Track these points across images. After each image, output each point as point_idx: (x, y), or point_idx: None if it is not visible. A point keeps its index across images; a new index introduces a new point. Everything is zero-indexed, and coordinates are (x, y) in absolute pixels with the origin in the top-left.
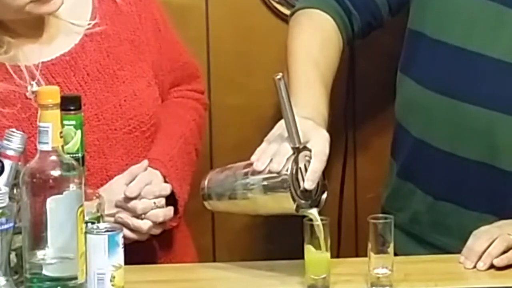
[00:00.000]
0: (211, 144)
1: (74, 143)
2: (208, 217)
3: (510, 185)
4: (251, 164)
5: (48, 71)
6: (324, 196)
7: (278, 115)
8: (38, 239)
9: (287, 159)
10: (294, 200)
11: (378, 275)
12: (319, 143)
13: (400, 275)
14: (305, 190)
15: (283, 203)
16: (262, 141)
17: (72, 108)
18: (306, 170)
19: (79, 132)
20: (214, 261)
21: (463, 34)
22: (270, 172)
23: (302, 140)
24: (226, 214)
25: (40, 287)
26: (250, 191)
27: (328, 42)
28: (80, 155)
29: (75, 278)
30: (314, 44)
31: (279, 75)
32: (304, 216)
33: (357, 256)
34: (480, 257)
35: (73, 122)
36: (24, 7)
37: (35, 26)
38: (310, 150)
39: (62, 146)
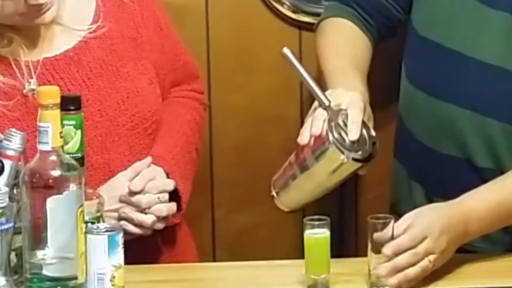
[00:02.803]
0: (211, 144)
1: (74, 143)
2: (208, 217)
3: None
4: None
5: (52, 66)
6: (377, 145)
7: (278, 115)
8: (38, 239)
9: (323, 120)
10: (341, 151)
11: (378, 275)
12: (350, 100)
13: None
14: (352, 143)
15: (337, 161)
16: (262, 141)
17: (72, 108)
18: (346, 126)
19: (79, 132)
20: (214, 261)
21: (444, 32)
22: (314, 140)
23: (334, 103)
24: (226, 215)
25: (40, 287)
26: (306, 167)
27: (354, 38)
28: (80, 155)
29: (75, 278)
30: (341, 43)
31: (284, 49)
32: (304, 216)
33: (357, 256)
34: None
35: (73, 122)
36: (13, 16)
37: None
38: (345, 110)
39: (62, 146)
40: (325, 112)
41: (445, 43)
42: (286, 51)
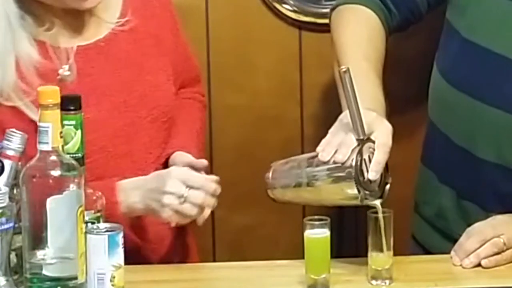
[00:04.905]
0: (211, 144)
1: (74, 143)
2: (208, 217)
3: None
4: (316, 155)
5: (85, 54)
6: (387, 187)
7: (278, 115)
8: (38, 239)
9: (352, 150)
10: (358, 190)
11: (378, 268)
12: (383, 134)
13: (400, 275)
14: (369, 181)
15: (348, 194)
16: (262, 141)
17: (72, 108)
18: (369, 161)
19: (79, 132)
20: (214, 261)
21: (491, 36)
22: (335, 163)
23: (366, 132)
24: (226, 215)
25: (40, 287)
26: (315, 181)
27: (375, 34)
28: (80, 155)
29: (75, 278)
30: (362, 37)
31: (344, 68)
32: (304, 216)
33: (357, 256)
34: (468, 255)
35: (73, 122)
36: None
37: (73, 11)
38: (373, 142)
39: (62, 146)
40: (355, 141)
41: (492, 47)
42: (348, 71)
